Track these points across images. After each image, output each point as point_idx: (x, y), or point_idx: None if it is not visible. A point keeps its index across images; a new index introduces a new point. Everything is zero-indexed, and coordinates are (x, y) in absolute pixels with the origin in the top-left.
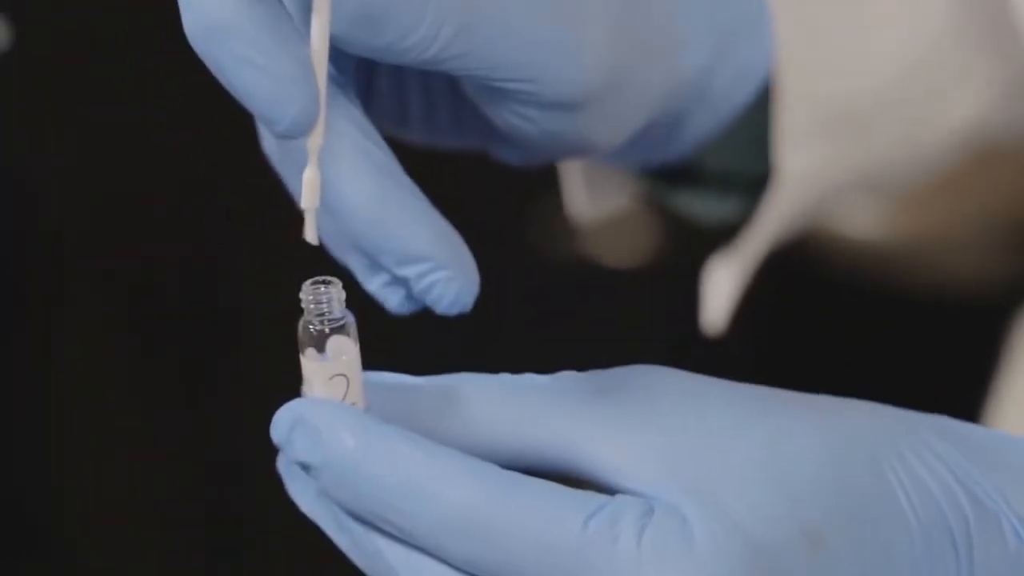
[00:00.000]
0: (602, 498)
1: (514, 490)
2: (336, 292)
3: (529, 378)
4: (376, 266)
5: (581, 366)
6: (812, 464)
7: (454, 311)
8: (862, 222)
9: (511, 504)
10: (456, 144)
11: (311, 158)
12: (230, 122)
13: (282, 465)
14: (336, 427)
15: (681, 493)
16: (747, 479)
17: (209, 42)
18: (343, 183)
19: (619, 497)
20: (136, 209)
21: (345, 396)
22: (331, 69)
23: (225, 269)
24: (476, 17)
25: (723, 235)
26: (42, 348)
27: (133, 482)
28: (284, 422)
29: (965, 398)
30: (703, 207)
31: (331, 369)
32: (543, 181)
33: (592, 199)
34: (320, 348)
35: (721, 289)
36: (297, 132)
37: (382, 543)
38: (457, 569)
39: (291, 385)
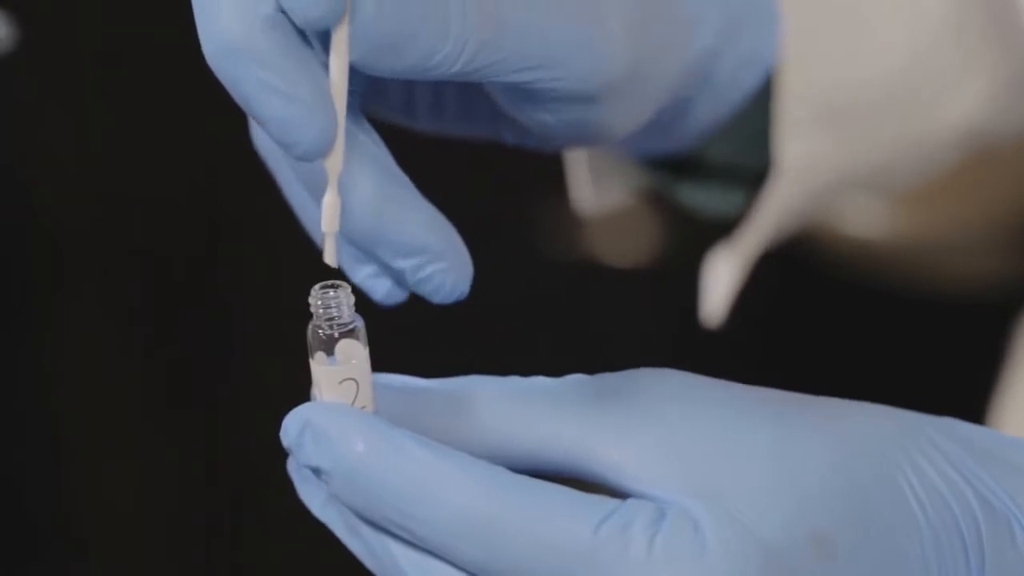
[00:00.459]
0: (613, 502)
1: (524, 494)
2: (345, 296)
3: (538, 381)
4: (363, 257)
5: (586, 363)
6: (822, 467)
7: (451, 300)
8: (864, 221)
9: (521, 508)
10: (465, 132)
11: (331, 182)
12: (231, 122)
13: (292, 468)
14: (346, 432)
15: (692, 497)
16: (757, 483)
17: (227, 62)
18: (342, 179)
19: (630, 501)
20: (136, 208)
21: (355, 400)
22: None
23: (226, 267)
24: (500, 30)
25: (725, 228)
26: (42, 348)
27: (134, 482)
28: (293, 426)
29: (966, 398)
30: (706, 200)
31: (340, 373)
32: (548, 180)
33: (597, 192)
34: (329, 352)
35: (721, 281)
36: (314, 156)
37: (393, 546)
38: (468, 572)
39: (294, 385)
